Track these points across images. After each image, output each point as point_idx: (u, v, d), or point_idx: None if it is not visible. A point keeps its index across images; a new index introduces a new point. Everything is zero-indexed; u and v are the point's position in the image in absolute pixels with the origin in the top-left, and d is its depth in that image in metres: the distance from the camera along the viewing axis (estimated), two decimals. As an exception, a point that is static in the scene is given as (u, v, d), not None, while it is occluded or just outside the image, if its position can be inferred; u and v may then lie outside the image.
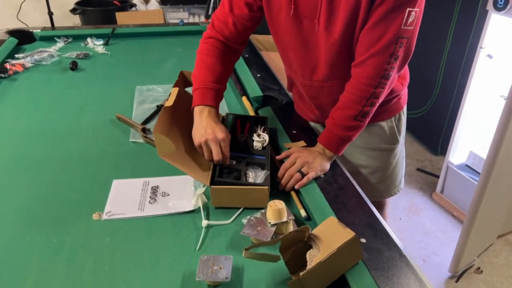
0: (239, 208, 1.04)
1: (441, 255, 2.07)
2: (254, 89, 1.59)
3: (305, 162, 1.09)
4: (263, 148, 1.16)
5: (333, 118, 1.13)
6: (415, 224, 2.28)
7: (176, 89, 1.16)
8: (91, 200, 1.06)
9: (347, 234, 0.81)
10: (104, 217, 1.00)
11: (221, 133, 1.07)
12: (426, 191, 2.55)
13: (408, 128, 3.07)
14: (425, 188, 2.57)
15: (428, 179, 2.65)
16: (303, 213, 1.01)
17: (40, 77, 1.76)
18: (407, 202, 2.44)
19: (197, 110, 1.13)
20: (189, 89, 1.24)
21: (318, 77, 1.19)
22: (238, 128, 1.23)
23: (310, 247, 0.83)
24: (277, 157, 1.16)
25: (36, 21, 4.11)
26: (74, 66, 1.82)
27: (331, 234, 0.82)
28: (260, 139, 1.18)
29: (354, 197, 1.03)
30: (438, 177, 2.49)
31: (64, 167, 1.18)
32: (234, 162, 1.10)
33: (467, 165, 2.34)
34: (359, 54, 1.08)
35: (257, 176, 1.07)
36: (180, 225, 0.98)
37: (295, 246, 0.84)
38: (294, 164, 1.09)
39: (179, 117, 1.15)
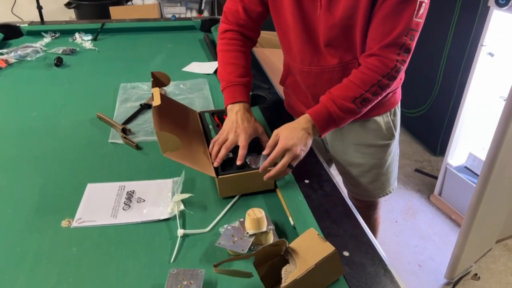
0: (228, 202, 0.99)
1: (437, 260, 2.01)
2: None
3: (295, 155, 1.01)
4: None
5: (331, 93, 1.07)
6: (411, 228, 2.21)
7: (157, 89, 1.11)
8: (62, 206, 1.00)
9: (327, 248, 0.75)
10: (74, 224, 0.95)
11: (232, 135, 1.07)
12: (424, 193, 2.48)
13: (406, 127, 3.03)
14: (422, 190, 2.50)
15: (426, 181, 2.58)
16: (291, 221, 0.95)
17: (23, 73, 1.70)
18: (403, 204, 2.38)
19: (229, 107, 1.14)
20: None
21: (318, 62, 1.16)
22: (219, 123, 1.20)
23: (287, 261, 0.77)
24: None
25: (31, 15, 4.04)
26: (59, 62, 1.76)
27: (310, 248, 0.76)
28: None
29: (339, 206, 0.97)
30: (436, 178, 2.42)
31: (37, 170, 1.13)
32: (231, 154, 1.07)
33: (466, 167, 2.27)
34: (370, 47, 1.06)
35: (257, 160, 1.06)
36: (154, 234, 0.92)
37: (271, 260, 0.78)
38: (283, 157, 1.00)
39: (166, 115, 1.11)
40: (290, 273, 0.73)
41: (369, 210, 1.51)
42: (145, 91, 1.55)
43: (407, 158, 2.77)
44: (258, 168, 1.02)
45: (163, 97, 1.15)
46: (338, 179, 1.10)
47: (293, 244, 0.78)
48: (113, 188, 1.06)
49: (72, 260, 0.85)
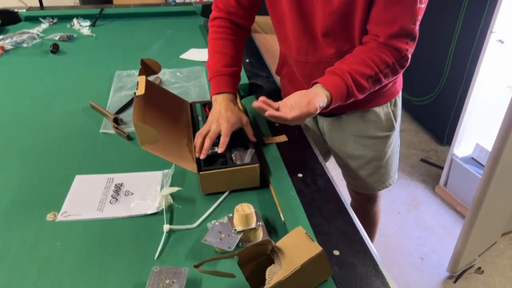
0: (222, 194, 0.98)
1: (440, 253, 1.97)
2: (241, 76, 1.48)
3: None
4: (241, 128, 1.10)
5: (347, 64, 0.99)
6: (414, 219, 2.17)
7: (143, 77, 1.07)
8: (49, 198, 0.98)
9: (314, 248, 0.72)
10: (59, 218, 0.92)
11: (215, 126, 1.04)
12: (429, 183, 2.43)
13: (413, 116, 2.96)
14: (427, 181, 2.45)
15: (431, 171, 2.53)
16: (282, 217, 0.92)
17: (18, 60, 1.68)
18: (407, 195, 2.33)
19: (213, 98, 1.11)
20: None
21: (314, 52, 1.12)
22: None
23: (274, 261, 0.74)
24: (265, 140, 1.04)
25: (36, 0, 4.01)
26: (55, 49, 1.73)
27: (296, 248, 0.73)
28: None
29: (332, 202, 0.93)
30: (442, 168, 2.37)
31: (26, 160, 1.10)
32: (216, 149, 1.03)
33: (472, 158, 2.21)
34: (374, 32, 1.01)
35: (243, 156, 1.02)
36: (140, 230, 0.90)
37: (256, 260, 0.75)
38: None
39: (152, 105, 1.07)
40: (274, 274, 0.70)
41: (368, 203, 1.48)
42: (140, 79, 1.51)
43: (414, 147, 2.71)
44: (243, 164, 0.98)
45: (151, 85, 1.11)
46: (333, 173, 1.05)
47: (279, 243, 0.75)
48: (101, 180, 1.04)
49: (55, 255, 0.83)
